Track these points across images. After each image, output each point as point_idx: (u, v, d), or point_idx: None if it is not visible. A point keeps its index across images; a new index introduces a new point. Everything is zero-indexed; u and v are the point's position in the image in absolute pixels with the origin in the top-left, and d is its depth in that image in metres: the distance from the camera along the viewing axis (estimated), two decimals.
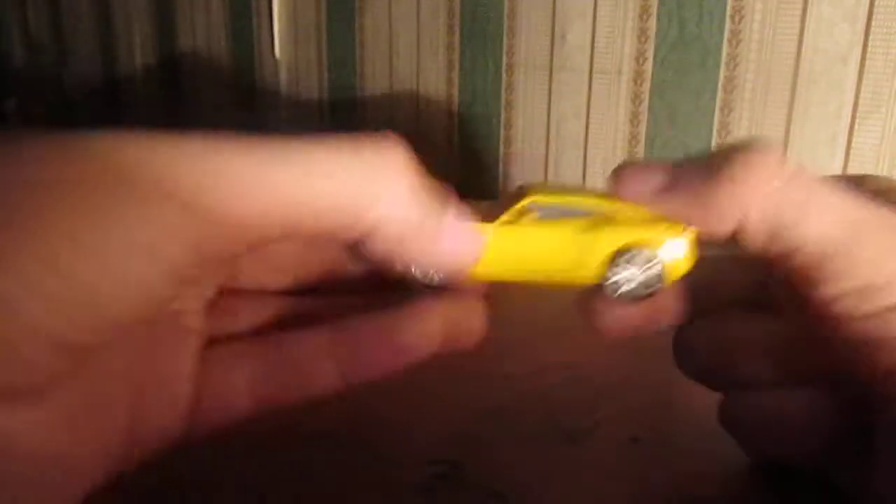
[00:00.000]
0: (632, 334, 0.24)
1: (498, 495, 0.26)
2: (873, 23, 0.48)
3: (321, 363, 0.22)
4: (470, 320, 0.23)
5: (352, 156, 0.19)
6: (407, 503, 0.26)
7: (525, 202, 0.24)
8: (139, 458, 0.20)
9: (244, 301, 0.24)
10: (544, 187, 0.25)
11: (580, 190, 0.26)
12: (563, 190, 0.25)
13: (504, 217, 0.24)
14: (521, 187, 0.26)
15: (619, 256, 0.23)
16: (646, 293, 0.23)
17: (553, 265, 0.24)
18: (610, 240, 0.23)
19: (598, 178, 0.61)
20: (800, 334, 0.24)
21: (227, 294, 0.23)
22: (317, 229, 0.19)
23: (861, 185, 0.26)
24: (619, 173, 0.23)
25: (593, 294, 0.24)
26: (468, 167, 0.69)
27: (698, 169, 0.22)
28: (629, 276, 0.23)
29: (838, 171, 0.51)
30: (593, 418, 0.31)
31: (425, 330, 0.22)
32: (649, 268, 0.23)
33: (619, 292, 0.23)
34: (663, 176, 0.22)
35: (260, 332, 0.23)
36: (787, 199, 0.21)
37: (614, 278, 0.23)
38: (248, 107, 0.83)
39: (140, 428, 0.20)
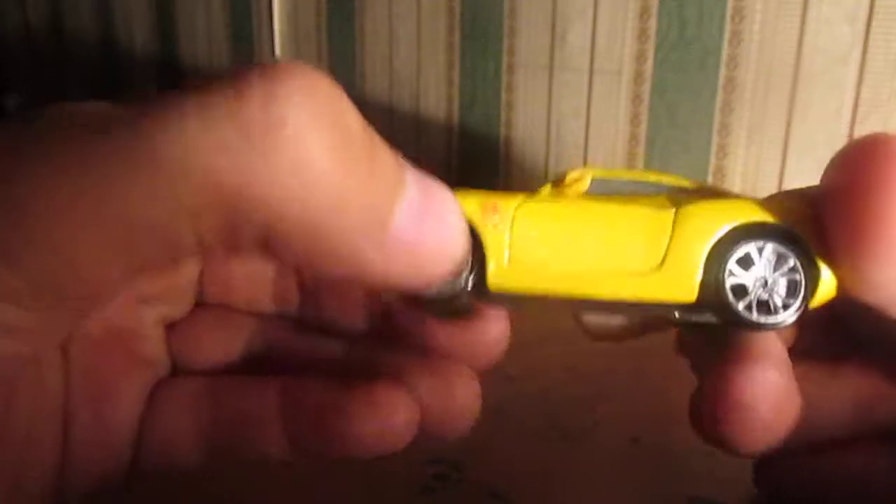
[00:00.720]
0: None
1: (498, 495, 0.26)
2: (873, 23, 0.48)
3: (268, 426, 0.19)
4: (460, 402, 0.18)
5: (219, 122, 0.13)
6: (407, 503, 0.26)
7: (571, 175, 0.17)
8: (71, 494, 0.17)
9: (214, 327, 0.21)
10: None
11: (648, 171, 0.19)
12: (626, 170, 0.17)
13: (541, 190, 0.17)
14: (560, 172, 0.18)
15: (734, 248, 0.15)
16: (784, 318, 0.15)
17: (622, 264, 0.15)
18: (714, 218, 0.15)
19: None
20: (875, 385, 0.20)
21: (200, 315, 0.21)
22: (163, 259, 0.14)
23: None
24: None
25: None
26: (468, 167, 0.69)
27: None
28: (756, 284, 0.15)
29: None
30: (593, 418, 0.31)
31: (384, 424, 0.17)
32: (790, 270, 0.15)
33: (752, 317, 0.15)
34: None
35: (219, 370, 0.20)
36: None
37: (735, 284, 0.14)
38: None
39: (71, 467, 0.17)
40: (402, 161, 0.15)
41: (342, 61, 0.75)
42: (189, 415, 0.19)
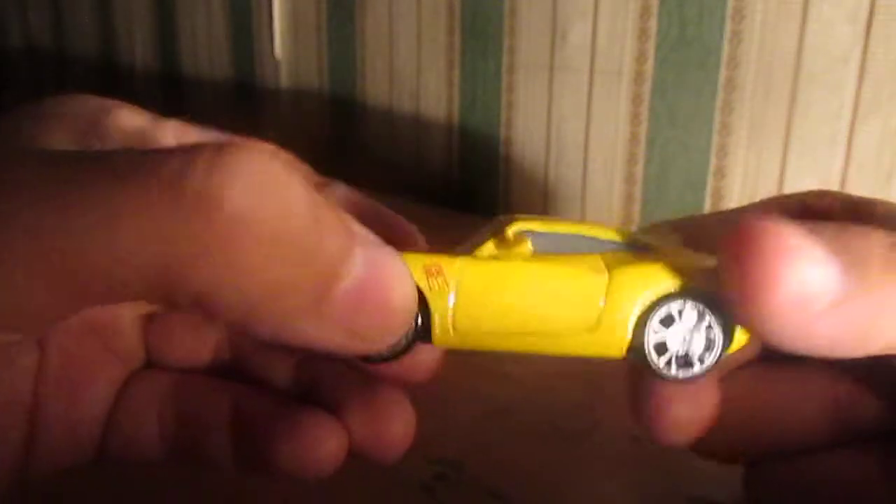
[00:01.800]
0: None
1: (498, 495, 0.26)
2: (874, 23, 0.48)
3: (218, 432, 0.19)
4: (392, 432, 0.19)
5: (160, 202, 0.13)
6: (407, 503, 0.26)
7: (513, 227, 0.18)
8: (35, 477, 0.18)
9: (189, 325, 0.20)
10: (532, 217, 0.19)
11: (582, 222, 0.19)
12: (561, 220, 0.19)
13: (483, 247, 0.18)
14: (500, 219, 0.19)
15: (657, 308, 0.17)
16: (701, 371, 0.17)
17: (561, 325, 0.17)
18: (642, 283, 0.17)
19: (599, 177, 0.61)
20: (849, 389, 0.21)
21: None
22: (121, 299, 0.14)
23: (823, 202, 0.22)
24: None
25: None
26: (468, 167, 0.69)
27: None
28: (676, 341, 0.17)
29: (838, 172, 0.51)
30: (593, 418, 0.31)
31: (308, 451, 0.18)
32: (707, 328, 0.17)
33: (671, 372, 0.17)
34: (834, 278, 0.15)
35: (189, 367, 0.20)
36: None
37: (657, 342, 0.17)
38: (248, 107, 0.83)
39: (37, 452, 0.18)
40: (352, 231, 0.15)
41: (342, 61, 0.75)
42: (154, 409, 0.19)
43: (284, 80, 0.79)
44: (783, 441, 0.22)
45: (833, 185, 0.52)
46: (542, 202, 0.64)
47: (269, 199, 0.13)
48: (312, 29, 0.76)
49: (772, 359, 0.20)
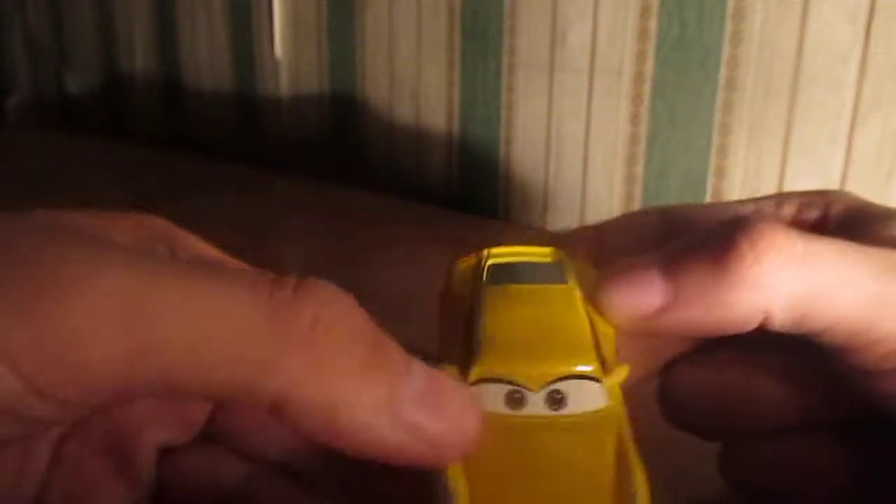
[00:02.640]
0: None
1: None
2: (874, 23, 0.48)
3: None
4: None
5: (252, 301, 0.15)
6: None
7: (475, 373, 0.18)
8: None
9: (202, 462, 0.21)
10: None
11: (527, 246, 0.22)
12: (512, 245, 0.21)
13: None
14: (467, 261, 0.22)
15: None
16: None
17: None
18: None
19: (599, 177, 0.61)
20: (813, 371, 0.22)
21: (195, 448, 0.21)
22: (202, 394, 0.16)
23: (830, 196, 0.24)
24: (605, 283, 0.20)
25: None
26: (468, 167, 0.69)
27: (702, 267, 0.19)
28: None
29: (838, 172, 0.51)
30: None
31: None
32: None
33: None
34: (662, 284, 0.19)
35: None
36: (812, 286, 0.18)
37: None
38: (248, 107, 0.83)
39: None
40: (408, 357, 0.17)
41: (342, 61, 0.75)
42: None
43: (284, 80, 0.79)
44: (751, 422, 0.23)
45: (833, 185, 0.52)
46: (541, 202, 0.64)
47: (346, 303, 0.16)
48: (312, 29, 0.76)
49: (738, 344, 0.21)
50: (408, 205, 0.66)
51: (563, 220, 0.63)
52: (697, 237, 0.20)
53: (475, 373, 0.18)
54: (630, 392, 0.20)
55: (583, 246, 0.24)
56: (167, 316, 0.14)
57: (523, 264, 0.22)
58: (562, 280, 0.21)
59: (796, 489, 0.23)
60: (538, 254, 0.22)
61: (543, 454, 0.17)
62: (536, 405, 0.18)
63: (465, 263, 0.22)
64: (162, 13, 0.88)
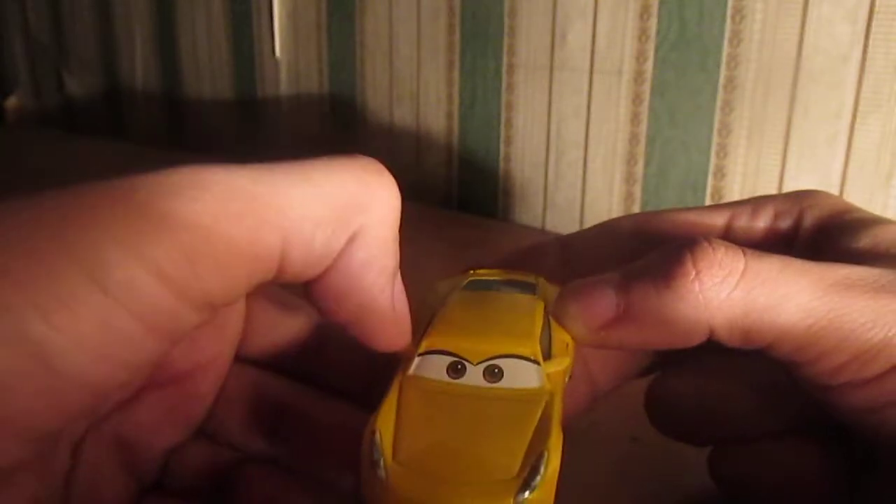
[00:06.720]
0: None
1: None
2: (874, 23, 0.48)
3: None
4: None
5: (342, 168, 0.18)
6: None
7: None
8: None
9: (202, 456, 0.22)
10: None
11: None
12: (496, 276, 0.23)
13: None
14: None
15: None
16: None
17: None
18: None
19: (598, 177, 0.61)
20: (790, 379, 0.22)
21: (197, 443, 0.22)
22: (310, 245, 0.17)
23: (805, 203, 0.25)
24: (564, 294, 0.21)
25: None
26: (468, 167, 0.69)
27: (650, 284, 0.20)
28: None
29: (838, 172, 0.51)
30: (592, 417, 0.31)
31: None
32: None
33: None
34: (614, 298, 0.20)
35: (195, 497, 0.22)
36: (752, 302, 0.19)
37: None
38: (249, 107, 0.83)
39: None
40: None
41: (342, 61, 0.75)
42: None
43: (284, 80, 0.79)
44: (731, 429, 0.24)
45: (833, 185, 0.52)
46: (541, 202, 0.64)
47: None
48: (312, 29, 0.76)
49: (723, 352, 0.22)
50: (407, 204, 0.66)
51: (563, 219, 0.63)
52: (655, 255, 0.21)
53: (424, 345, 0.20)
54: (612, 394, 0.20)
55: (549, 260, 0.26)
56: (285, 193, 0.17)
57: (500, 280, 0.23)
58: (530, 293, 0.22)
59: (779, 493, 0.24)
60: (518, 275, 0.24)
61: (472, 419, 0.18)
62: (475, 376, 0.19)
63: (446, 281, 0.24)
64: (162, 13, 0.88)
